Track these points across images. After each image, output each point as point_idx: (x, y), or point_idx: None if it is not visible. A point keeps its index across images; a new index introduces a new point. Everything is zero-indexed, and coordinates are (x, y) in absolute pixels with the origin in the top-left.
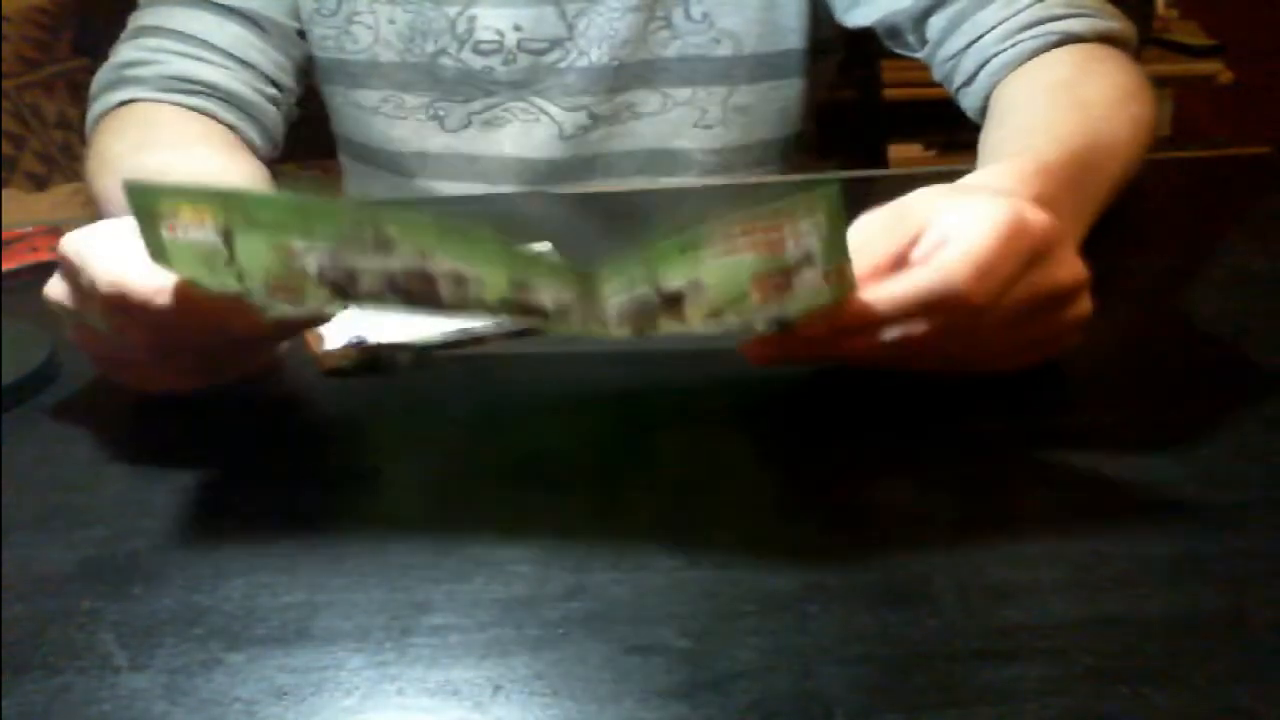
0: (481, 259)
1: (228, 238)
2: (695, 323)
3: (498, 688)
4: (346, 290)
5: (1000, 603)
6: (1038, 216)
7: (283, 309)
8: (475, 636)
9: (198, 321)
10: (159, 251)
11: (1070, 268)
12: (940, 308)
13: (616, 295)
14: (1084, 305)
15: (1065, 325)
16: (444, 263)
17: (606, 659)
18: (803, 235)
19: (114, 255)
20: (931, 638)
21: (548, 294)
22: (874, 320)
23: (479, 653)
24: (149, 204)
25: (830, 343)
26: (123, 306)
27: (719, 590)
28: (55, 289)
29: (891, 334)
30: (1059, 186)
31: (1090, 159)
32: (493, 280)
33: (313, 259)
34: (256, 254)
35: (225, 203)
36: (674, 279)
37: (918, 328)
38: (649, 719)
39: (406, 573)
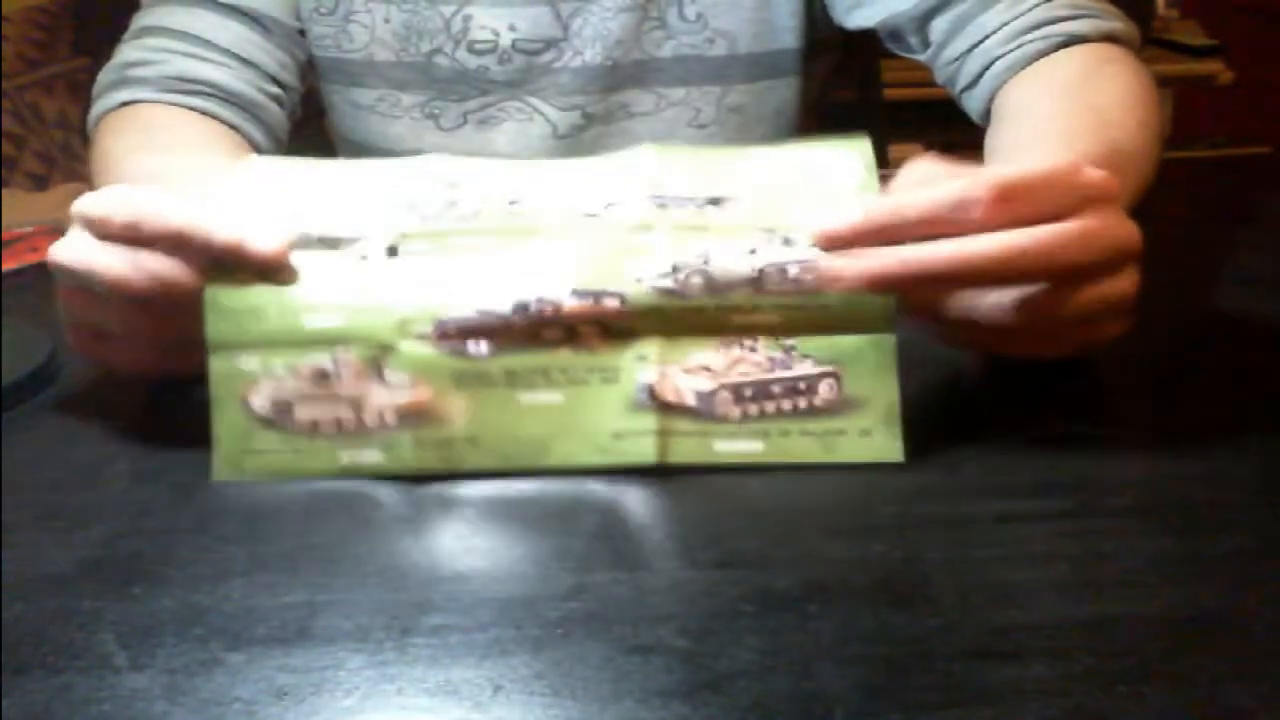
0: None
1: None
2: None
3: (498, 688)
4: None
5: (1000, 603)
6: (1096, 170)
7: None
8: (475, 636)
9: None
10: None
11: (1126, 227)
12: (954, 212)
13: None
14: (1130, 279)
15: (1111, 298)
16: None
17: (606, 659)
18: None
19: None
20: (931, 638)
21: None
22: (896, 220)
23: (479, 653)
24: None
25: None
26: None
27: (719, 590)
28: (70, 248)
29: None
30: None
31: (1110, 165)
32: None
33: None
34: None
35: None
36: None
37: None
38: (649, 719)
39: (406, 572)
